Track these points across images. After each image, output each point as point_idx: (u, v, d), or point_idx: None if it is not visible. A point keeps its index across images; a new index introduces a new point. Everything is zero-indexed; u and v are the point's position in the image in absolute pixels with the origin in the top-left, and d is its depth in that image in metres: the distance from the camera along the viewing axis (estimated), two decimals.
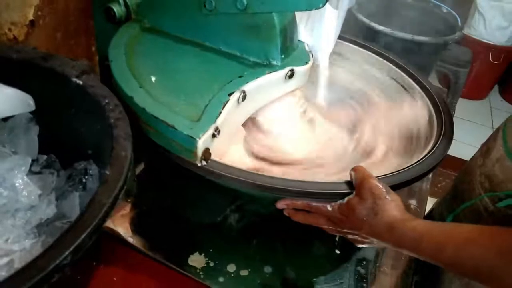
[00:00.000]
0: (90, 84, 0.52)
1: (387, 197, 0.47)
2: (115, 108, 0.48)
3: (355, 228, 0.49)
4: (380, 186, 0.48)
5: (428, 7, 1.22)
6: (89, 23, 1.04)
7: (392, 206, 0.47)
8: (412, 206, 0.75)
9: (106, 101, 0.49)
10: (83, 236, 0.34)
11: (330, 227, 0.52)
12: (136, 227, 0.60)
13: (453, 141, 0.62)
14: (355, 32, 1.02)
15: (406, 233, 0.44)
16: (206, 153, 0.47)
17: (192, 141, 0.46)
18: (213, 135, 0.48)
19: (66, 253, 0.33)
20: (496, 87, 2.90)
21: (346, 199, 0.50)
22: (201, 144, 0.46)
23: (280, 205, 0.54)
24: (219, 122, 0.49)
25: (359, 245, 0.53)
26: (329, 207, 0.51)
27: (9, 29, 0.82)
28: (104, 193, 0.38)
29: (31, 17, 0.85)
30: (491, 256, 0.38)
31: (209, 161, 0.48)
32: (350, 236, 0.52)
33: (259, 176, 0.48)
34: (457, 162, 1.35)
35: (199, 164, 0.47)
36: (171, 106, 0.50)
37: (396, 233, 0.45)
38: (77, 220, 0.36)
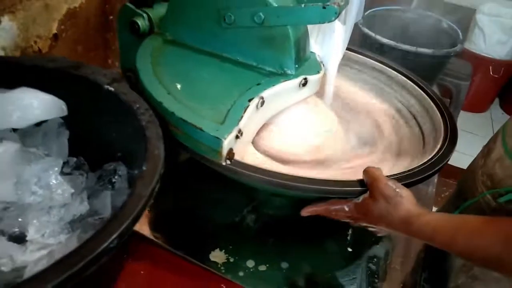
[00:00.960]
0: (122, 91, 0.56)
1: (399, 194, 0.51)
2: (145, 112, 0.53)
3: (373, 224, 0.53)
4: (390, 184, 0.52)
5: (430, 21, 1.28)
6: (106, 37, 1.10)
7: (404, 202, 0.50)
8: None
9: (137, 106, 0.54)
10: (127, 222, 0.38)
11: (351, 222, 0.56)
12: (159, 225, 0.64)
13: (455, 152, 0.65)
14: (361, 44, 1.07)
15: (420, 228, 0.48)
16: (230, 153, 0.51)
17: (218, 141, 0.50)
18: (237, 137, 0.52)
19: (113, 237, 0.37)
20: (497, 100, 2.94)
21: (361, 198, 0.53)
22: (226, 144, 0.50)
23: (305, 213, 0.58)
24: (241, 124, 0.53)
25: (379, 234, 0.57)
26: (346, 208, 0.55)
27: (35, 42, 0.87)
28: (142, 187, 0.42)
29: (54, 30, 0.90)
30: (498, 245, 0.41)
31: (232, 160, 0.52)
32: (369, 229, 0.56)
33: (285, 176, 0.52)
34: (460, 172, 1.39)
35: (223, 163, 0.51)
36: (197, 110, 0.54)
37: (411, 228, 0.49)
38: (120, 209, 0.39)
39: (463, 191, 0.73)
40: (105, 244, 0.36)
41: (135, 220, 0.39)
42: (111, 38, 1.10)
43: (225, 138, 0.50)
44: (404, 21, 1.25)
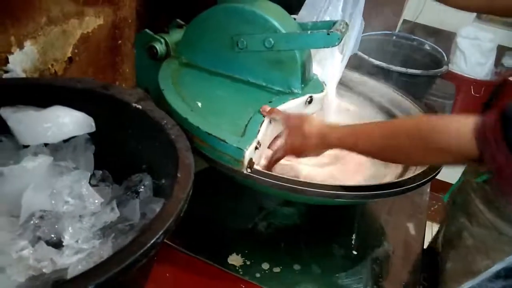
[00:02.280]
0: (149, 108, 0.62)
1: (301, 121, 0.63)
2: (173, 127, 0.58)
3: (308, 147, 0.62)
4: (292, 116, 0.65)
5: (415, 44, 1.38)
6: (115, 60, 1.16)
7: (307, 125, 0.62)
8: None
9: (165, 121, 0.59)
10: (170, 220, 0.43)
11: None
12: (181, 232, 0.69)
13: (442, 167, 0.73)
14: (355, 66, 1.16)
15: (331, 140, 0.60)
16: (251, 162, 0.57)
17: (240, 152, 0.56)
18: (256, 148, 0.58)
19: (160, 233, 0.42)
20: None
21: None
22: (247, 154, 0.56)
23: (267, 168, 0.66)
24: (259, 137, 0.59)
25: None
26: (282, 140, 0.65)
27: (52, 65, 0.92)
28: (179, 191, 0.47)
29: (69, 54, 0.96)
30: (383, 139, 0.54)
31: (252, 169, 0.58)
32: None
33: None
34: (447, 186, 1.47)
35: (244, 172, 0.57)
36: (219, 125, 0.60)
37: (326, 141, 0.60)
38: (162, 209, 0.45)
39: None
40: (154, 239, 0.41)
41: (177, 218, 0.44)
42: (119, 61, 1.16)
43: (246, 149, 0.56)
44: (392, 44, 1.34)
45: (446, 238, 0.75)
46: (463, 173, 0.76)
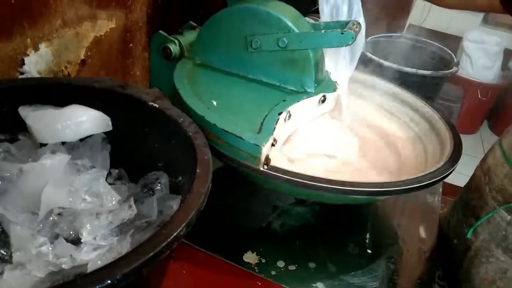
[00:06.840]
0: (166, 107, 0.62)
1: None
2: (190, 125, 0.59)
3: None
4: None
5: (423, 46, 1.38)
6: (126, 63, 1.17)
7: None
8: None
9: (182, 119, 0.60)
10: (192, 213, 0.44)
11: None
12: (197, 230, 0.69)
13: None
14: (366, 68, 1.16)
15: None
16: (267, 159, 0.58)
17: (257, 148, 0.56)
18: (272, 144, 0.58)
19: (183, 225, 0.42)
20: (485, 122, 3.07)
21: None
22: (264, 151, 0.56)
23: None
24: (275, 134, 0.59)
25: None
26: None
27: (65, 67, 0.94)
28: (200, 185, 0.48)
29: (82, 56, 0.97)
30: None
31: (269, 166, 0.58)
32: None
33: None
34: (456, 190, 1.47)
35: (261, 169, 0.58)
36: (235, 122, 0.60)
37: None
38: (184, 203, 0.45)
39: (470, 209, 0.78)
40: (177, 231, 0.41)
41: (198, 212, 0.45)
42: (130, 64, 1.17)
43: (263, 145, 0.56)
44: (401, 46, 1.35)
45: (481, 277, 0.71)
46: (491, 207, 0.72)
